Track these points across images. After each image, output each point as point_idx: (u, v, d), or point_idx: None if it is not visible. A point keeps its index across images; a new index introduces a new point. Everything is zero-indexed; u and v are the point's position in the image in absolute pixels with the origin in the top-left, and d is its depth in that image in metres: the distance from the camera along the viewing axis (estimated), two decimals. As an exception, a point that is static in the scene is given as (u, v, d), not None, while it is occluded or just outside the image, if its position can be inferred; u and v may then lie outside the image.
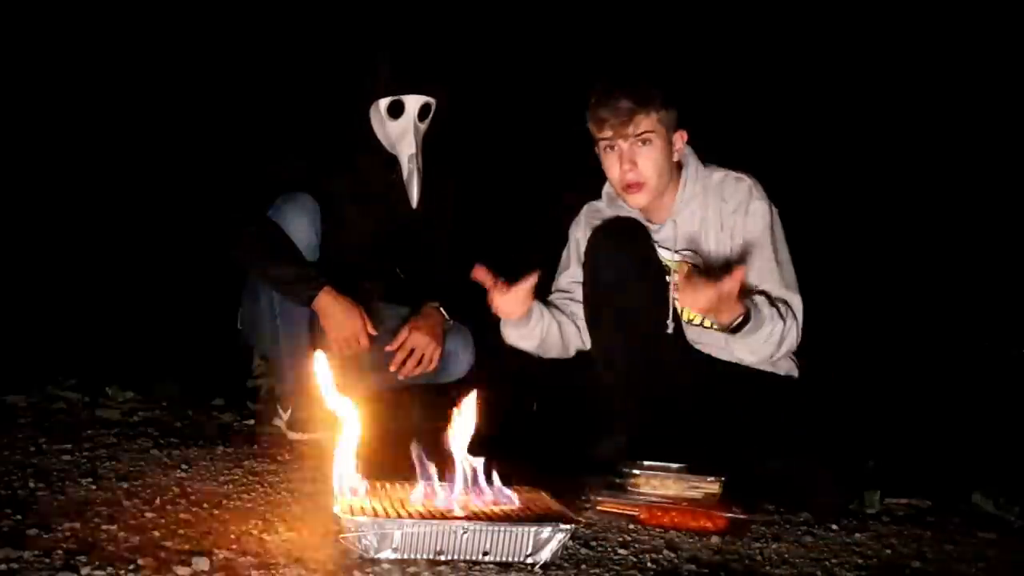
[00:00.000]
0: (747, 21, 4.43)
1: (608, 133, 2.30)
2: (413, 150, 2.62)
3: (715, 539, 1.88)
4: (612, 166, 2.33)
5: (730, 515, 1.92)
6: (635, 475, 2.00)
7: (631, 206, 2.38)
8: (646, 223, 2.40)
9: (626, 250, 2.32)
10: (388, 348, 2.58)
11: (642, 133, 2.28)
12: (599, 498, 2.01)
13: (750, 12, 4.42)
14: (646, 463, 2.03)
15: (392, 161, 2.66)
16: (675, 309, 2.35)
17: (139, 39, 4.21)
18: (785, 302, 2.23)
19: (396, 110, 2.60)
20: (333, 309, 2.49)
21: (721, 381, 2.33)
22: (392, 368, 2.59)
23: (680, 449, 2.11)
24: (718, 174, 2.38)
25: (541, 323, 2.38)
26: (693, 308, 2.22)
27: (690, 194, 2.36)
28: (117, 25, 4.17)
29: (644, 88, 2.30)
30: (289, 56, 4.11)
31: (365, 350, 2.54)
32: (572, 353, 2.47)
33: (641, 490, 1.99)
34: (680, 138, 2.37)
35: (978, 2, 4.39)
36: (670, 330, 2.30)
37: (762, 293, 2.25)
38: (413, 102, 2.60)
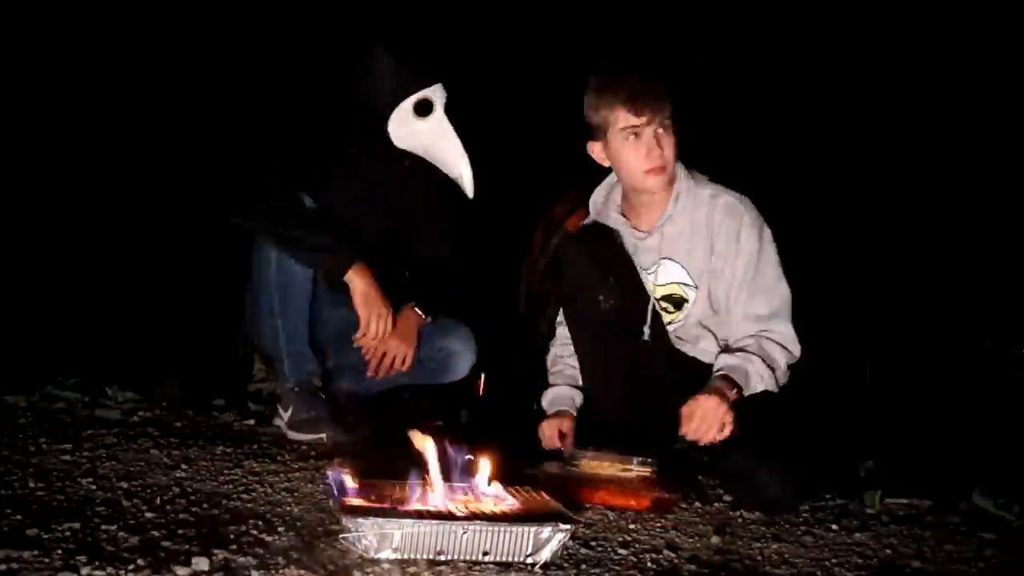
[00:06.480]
0: (745, 20, 4.43)
1: (644, 118, 2.27)
2: (463, 149, 2.60)
3: (715, 539, 1.88)
4: (636, 151, 2.29)
5: (655, 495, 2.07)
6: (577, 457, 2.20)
7: (652, 189, 2.34)
8: (632, 230, 2.40)
9: (590, 253, 2.36)
10: (364, 352, 2.57)
11: (669, 120, 2.30)
12: (545, 472, 2.16)
13: (747, 11, 4.43)
14: (589, 449, 2.21)
15: (401, 157, 2.64)
16: (654, 313, 2.36)
17: (142, 38, 4.20)
18: (771, 338, 2.24)
19: (424, 109, 2.58)
20: (366, 284, 2.47)
21: (689, 379, 2.32)
22: (369, 373, 2.60)
23: (655, 443, 2.21)
24: (708, 190, 2.36)
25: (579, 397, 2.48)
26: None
27: (681, 207, 2.34)
28: (118, 22, 4.16)
29: (662, 79, 2.33)
30: (298, 57, 4.10)
31: (388, 334, 2.52)
32: None
33: (581, 471, 2.16)
34: None
35: (978, 2, 4.39)
36: (646, 336, 2.34)
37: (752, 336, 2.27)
38: (440, 97, 2.59)
